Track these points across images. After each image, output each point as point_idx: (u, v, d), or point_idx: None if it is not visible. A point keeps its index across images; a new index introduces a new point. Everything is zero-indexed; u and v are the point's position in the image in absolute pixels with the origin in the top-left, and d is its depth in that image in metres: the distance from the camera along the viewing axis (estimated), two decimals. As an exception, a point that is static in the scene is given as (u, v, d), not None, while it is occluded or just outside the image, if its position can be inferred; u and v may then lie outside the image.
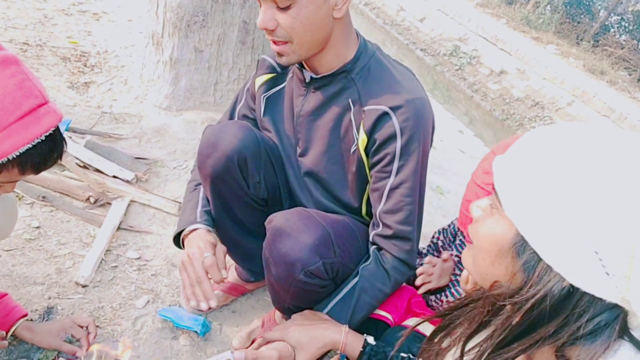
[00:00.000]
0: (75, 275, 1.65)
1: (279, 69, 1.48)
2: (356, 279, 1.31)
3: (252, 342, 1.62)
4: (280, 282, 1.31)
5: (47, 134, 0.97)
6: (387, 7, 10.87)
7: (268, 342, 1.24)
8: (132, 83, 2.72)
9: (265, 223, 1.37)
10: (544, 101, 7.54)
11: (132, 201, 2.03)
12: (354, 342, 1.19)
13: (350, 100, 1.31)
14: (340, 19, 1.23)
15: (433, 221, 2.33)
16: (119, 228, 1.89)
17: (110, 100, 2.64)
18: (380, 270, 1.32)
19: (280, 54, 1.25)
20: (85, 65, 2.90)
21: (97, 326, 1.52)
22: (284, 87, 1.47)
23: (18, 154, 0.95)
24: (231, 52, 2.46)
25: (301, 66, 1.35)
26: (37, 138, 0.96)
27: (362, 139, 1.30)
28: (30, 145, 0.95)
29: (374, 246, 1.36)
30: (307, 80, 1.35)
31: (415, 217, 1.32)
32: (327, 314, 1.30)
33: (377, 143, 1.27)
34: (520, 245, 0.64)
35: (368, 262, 1.33)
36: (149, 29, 2.56)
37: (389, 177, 1.28)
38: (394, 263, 1.32)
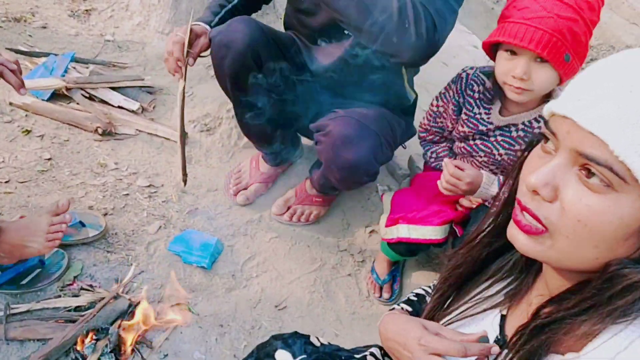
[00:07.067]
0: (86, 204, 1.72)
1: None
2: None
3: (288, 209, 1.83)
4: (340, 180, 1.60)
5: None
6: None
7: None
8: (134, 9, 2.65)
9: (313, 126, 1.60)
10: None
11: (139, 130, 2.06)
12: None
13: None
14: None
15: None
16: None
17: (113, 28, 2.59)
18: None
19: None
20: (84, -8, 2.83)
21: (111, 251, 1.60)
22: None
23: None
24: (231, -29, 2.37)
25: None
26: None
27: None
28: None
29: None
30: None
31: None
32: None
33: None
34: None
35: None
36: (146, -49, 2.46)
37: None
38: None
